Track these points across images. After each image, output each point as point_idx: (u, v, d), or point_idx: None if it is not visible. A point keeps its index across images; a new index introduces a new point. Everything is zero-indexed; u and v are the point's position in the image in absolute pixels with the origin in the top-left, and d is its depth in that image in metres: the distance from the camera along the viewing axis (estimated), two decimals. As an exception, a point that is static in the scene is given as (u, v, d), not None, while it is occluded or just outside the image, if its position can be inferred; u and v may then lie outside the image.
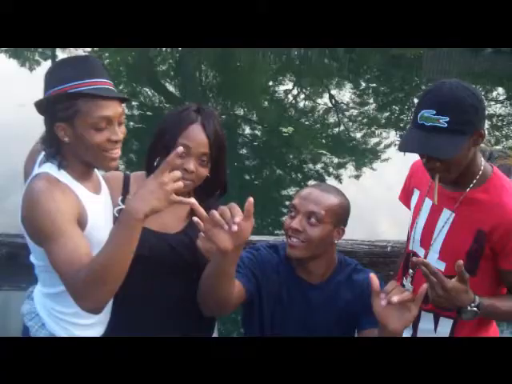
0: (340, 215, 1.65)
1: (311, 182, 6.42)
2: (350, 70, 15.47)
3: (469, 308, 1.45)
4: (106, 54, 13.42)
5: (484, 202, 1.54)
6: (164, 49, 15.29)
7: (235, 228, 1.26)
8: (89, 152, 1.42)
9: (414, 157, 1.66)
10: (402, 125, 9.59)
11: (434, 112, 1.42)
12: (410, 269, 1.72)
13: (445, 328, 1.66)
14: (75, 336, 1.53)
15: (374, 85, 13.31)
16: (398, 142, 7.08)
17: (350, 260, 1.78)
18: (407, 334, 1.70)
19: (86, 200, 1.45)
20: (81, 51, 11.01)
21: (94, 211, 1.46)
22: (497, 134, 9.37)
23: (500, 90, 13.02)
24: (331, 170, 7.10)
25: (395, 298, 1.31)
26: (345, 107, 10.63)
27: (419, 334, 1.70)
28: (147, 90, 10.71)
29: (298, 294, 1.69)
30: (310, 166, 7.22)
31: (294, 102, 11.15)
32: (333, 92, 12.04)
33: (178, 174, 1.25)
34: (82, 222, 1.41)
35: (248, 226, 1.30)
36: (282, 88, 12.11)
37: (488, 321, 1.66)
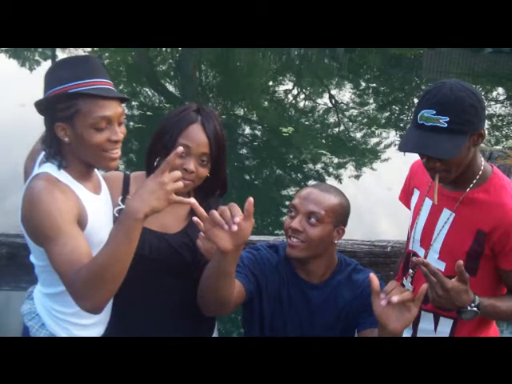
0: (340, 215, 1.65)
1: (311, 182, 6.42)
2: (349, 69, 15.48)
3: (469, 308, 1.45)
4: (106, 54, 13.43)
5: (484, 202, 1.53)
6: (164, 49, 15.30)
7: (235, 228, 1.26)
8: (89, 152, 1.42)
9: (414, 157, 1.66)
10: (401, 125, 9.59)
11: (434, 112, 1.42)
12: (410, 269, 1.72)
13: (445, 328, 1.66)
14: (75, 336, 1.53)
15: (374, 85, 13.32)
16: (397, 142, 7.08)
17: (350, 260, 1.78)
18: (407, 334, 1.70)
19: (86, 200, 1.45)
20: (81, 51, 11.02)
21: (93, 211, 1.46)
22: (497, 133, 9.37)
23: (500, 89, 13.02)
24: (331, 170, 7.10)
25: (395, 298, 1.31)
26: (345, 107, 10.63)
27: (419, 334, 1.70)
28: (147, 89, 10.72)
29: (298, 294, 1.69)
30: (310, 165, 7.22)
31: (293, 102, 11.15)
32: (333, 92, 12.05)
33: (178, 174, 1.25)
34: (82, 222, 1.41)
35: (248, 225, 1.30)
36: (281, 88, 12.12)
37: (488, 321, 1.66)
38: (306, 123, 9.54)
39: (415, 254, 1.69)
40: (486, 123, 5.09)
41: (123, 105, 1.48)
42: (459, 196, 1.57)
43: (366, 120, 9.84)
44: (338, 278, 1.71)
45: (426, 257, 1.65)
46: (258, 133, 8.64)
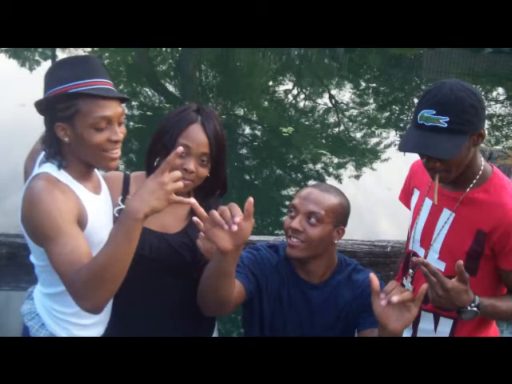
0: (340, 215, 1.65)
1: (311, 182, 6.42)
2: (349, 69, 15.49)
3: (469, 308, 1.45)
4: (106, 54, 13.43)
5: (484, 202, 1.53)
6: (164, 49, 15.31)
7: (235, 228, 1.26)
8: (89, 152, 1.42)
9: (414, 157, 1.66)
10: (401, 125, 9.59)
11: (434, 112, 1.42)
12: (410, 269, 1.72)
13: (445, 328, 1.66)
14: (75, 336, 1.53)
15: (374, 85, 13.32)
16: (397, 142, 7.08)
17: (350, 260, 1.78)
18: (407, 334, 1.70)
19: (86, 200, 1.45)
20: (81, 51, 11.02)
21: (93, 211, 1.46)
22: (497, 133, 9.37)
23: (500, 89, 13.02)
24: (331, 170, 7.10)
25: (395, 298, 1.31)
26: (345, 107, 10.63)
27: (419, 334, 1.70)
28: (147, 90, 10.72)
29: (298, 294, 1.69)
30: (310, 165, 7.22)
31: (293, 102, 11.15)
32: (333, 92, 12.05)
33: (178, 174, 1.25)
34: (82, 222, 1.41)
35: (248, 225, 1.30)
36: (281, 88, 12.12)
37: (488, 321, 1.66)
38: (306, 123, 9.54)
39: (415, 254, 1.69)
40: (486, 123, 5.09)
41: (123, 105, 1.48)
42: (459, 196, 1.57)
43: (365, 120, 9.84)
44: (338, 278, 1.71)
45: (425, 257, 1.65)
46: (258, 133, 8.63)
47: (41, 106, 1.42)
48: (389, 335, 1.36)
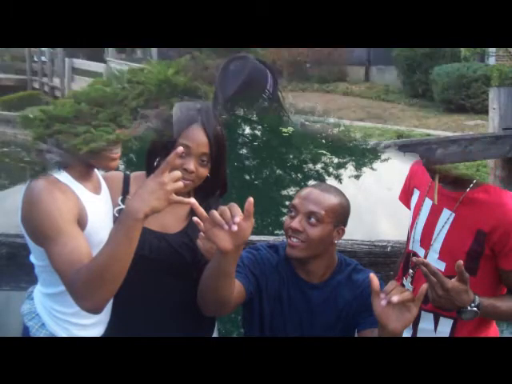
0: (340, 215, 1.65)
1: (311, 182, 6.42)
2: (350, 69, 15.48)
3: (469, 308, 1.45)
4: (106, 54, 13.43)
5: (484, 203, 1.54)
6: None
7: (235, 228, 1.26)
8: (88, 152, 1.42)
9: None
10: (402, 125, 9.58)
11: (434, 112, 1.42)
12: (410, 269, 1.72)
13: (445, 328, 1.66)
14: (75, 336, 1.53)
15: (374, 85, 13.31)
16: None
17: (350, 260, 1.78)
18: (407, 334, 1.70)
19: (85, 200, 1.45)
20: (81, 51, 11.02)
21: (93, 211, 1.46)
22: (497, 133, 9.36)
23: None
24: (331, 170, 7.10)
25: (395, 298, 1.31)
26: (345, 107, 10.62)
27: (419, 334, 1.70)
28: (147, 89, 10.71)
29: (298, 294, 1.69)
30: (310, 165, 7.21)
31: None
32: (333, 92, 12.04)
33: (178, 174, 1.25)
34: (81, 222, 1.41)
35: (248, 225, 1.30)
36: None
37: (488, 321, 1.66)
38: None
39: (415, 254, 1.69)
40: (486, 123, 5.08)
41: (123, 105, 1.48)
42: (459, 196, 1.57)
43: (366, 120, 9.83)
44: (338, 277, 1.71)
45: (425, 257, 1.65)
46: (258, 133, 8.63)
47: (41, 106, 1.42)
48: (389, 335, 1.36)
